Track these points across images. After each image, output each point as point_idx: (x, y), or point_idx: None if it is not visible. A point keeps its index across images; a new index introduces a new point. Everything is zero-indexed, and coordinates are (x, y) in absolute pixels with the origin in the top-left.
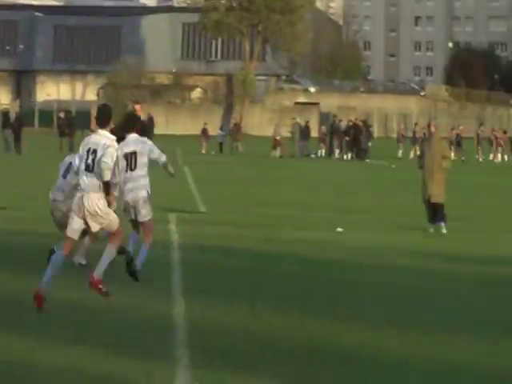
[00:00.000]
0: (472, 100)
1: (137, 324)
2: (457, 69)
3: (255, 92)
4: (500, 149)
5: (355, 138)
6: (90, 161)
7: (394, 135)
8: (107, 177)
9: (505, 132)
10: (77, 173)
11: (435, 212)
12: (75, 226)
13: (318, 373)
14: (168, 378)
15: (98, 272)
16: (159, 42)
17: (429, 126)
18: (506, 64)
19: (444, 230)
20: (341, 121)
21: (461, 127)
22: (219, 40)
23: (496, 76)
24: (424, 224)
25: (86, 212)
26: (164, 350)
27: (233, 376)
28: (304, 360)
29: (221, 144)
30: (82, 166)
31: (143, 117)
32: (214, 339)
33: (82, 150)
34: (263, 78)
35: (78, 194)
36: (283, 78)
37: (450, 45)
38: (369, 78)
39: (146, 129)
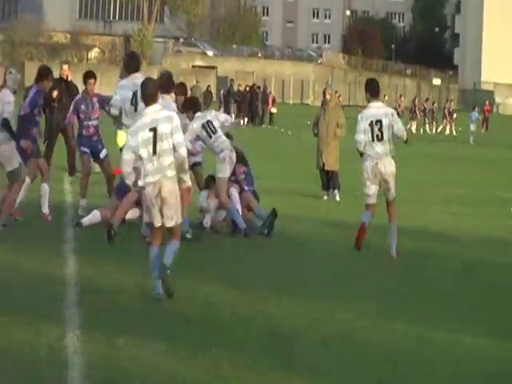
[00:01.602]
0: (368, 69)
1: (28, 284)
2: (354, 37)
3: (153, 54)
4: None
5: (251, 103)
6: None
7: (291, 101)
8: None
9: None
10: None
11: (329, 180)
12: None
13: (209, 335)
14: (57, 338)
15: None
16: (57, 1)
17: (324, 93)
18: (403, 34)
19: (338, 198)
20: (240, 85)
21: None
22: (117, 0)
23: (393, 46)
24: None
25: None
26: (54, 310)
27: (122, 335)
28: (196, 323)
29: None
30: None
31: (70, 78)
32: (104, 299)
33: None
34: (161, 40)
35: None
36: (181, 40)
37: (348, 13)
38: (267, 43)
39: (71, 90)
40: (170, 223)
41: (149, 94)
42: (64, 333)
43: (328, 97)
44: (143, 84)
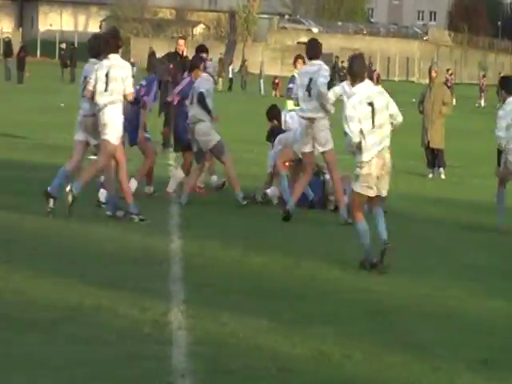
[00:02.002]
0: (474, 46)
1: (132, 259)
2: (460, 14)
3: (258, 30)
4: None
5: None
6: None
7: (396, 78)
8: None
9: None
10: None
11: (434, 157)
12: None
13: (312, 311)
14: (161, 314)
15: None
16: None
17: (430, 71)
18: (510, 11)
19: (443, 176)
20: (343, 62)
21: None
22: None
23: (499, 23)
24: (423, 169)
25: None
26: (159, 285)
27: (226, 311)
28: (299, 299)
29: (231, 80)
30: None
31: (186, 53)
32: (208, 275)
33: None
34: (266, 16)
35: None
36: (286, 17)
37: None
38: (372, 20)
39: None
40: (385, 192)
41: (357, 72)
42: (169, 308)
43: (434, 74)
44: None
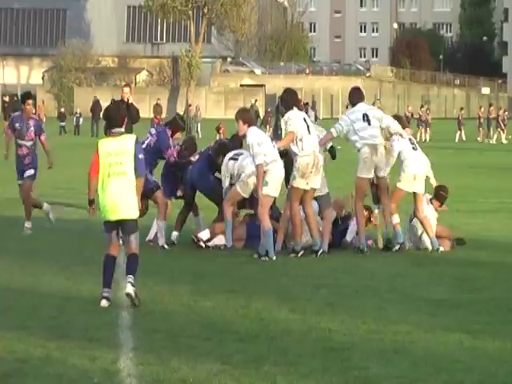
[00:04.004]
0: (417, 81)
1: (80, 309)
2: (402, 50)
3: (201, 74)
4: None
5: None
6: None
7: (340, 116)
8: None
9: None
10: None
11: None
12: None
13: (263, 352)
14: (111, 362)
15: None
16: (104, 25)
17: (373, 105)
18: (451, 44)
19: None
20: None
21: (410, 108)
22: (164, 22)
23: (441, 56)
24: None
25: None
26: (108, 334)
27: (176, 356)
28: (249, 341)
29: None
30: None
31: (131, 100)
32: (157, 321)
33: None
34: (209, 60)
35: None
36: (229, 60)
37: (395, 25)
38: (314, 59)
39: (132, 113)
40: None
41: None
42: (118, 356)
43: None
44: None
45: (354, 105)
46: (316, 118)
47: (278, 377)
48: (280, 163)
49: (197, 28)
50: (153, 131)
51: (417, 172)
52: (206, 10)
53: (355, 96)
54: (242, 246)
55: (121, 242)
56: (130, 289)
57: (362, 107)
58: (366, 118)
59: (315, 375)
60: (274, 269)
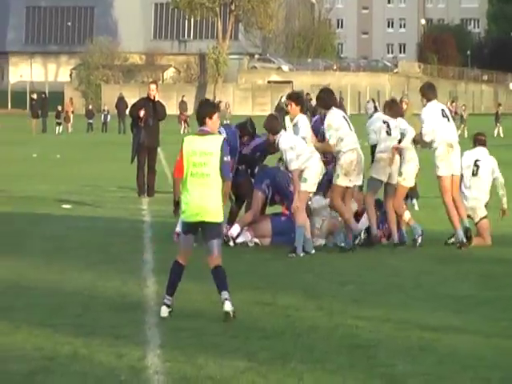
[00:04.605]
0: (444, 76)
1: (107, 306)
2: (429, 45)
3: (228, 71)
4: None
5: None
6: None
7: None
8: None
9: None
10: None
11: None
12: None
13: (290, 349)
14: (138, 359)
15: None
16: (131, 23)
17: (401, 102)
18: (478, 40)
19: (416, 207)
20: (311, 99)
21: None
22: (192, 19)
23: (468, 52)
24: None
25: None
26: (134, 331)
27: (203, 354)
28: (275, 338)
29: None
30: None
31: (157, 98)
32: (184, 318)
33: None
34: (236, 56)
35: None
36: (256, 56)
37: (423, 21)
38: (342, 55)
39: (158, 110)
40: None
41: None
42: (145, 354)
43: (404, 106)
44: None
45: (429, 100)
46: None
47: (304, 374)
48: (316, 156)
49: (224, 25)
50: (222, 131)
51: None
52: (233, 7)
53: (431, 92)
54: (269, 242)
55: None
56: (228, 307)
57: (437, 104)
58: (444, 113)
59: (342, 372)
60: (300, 266)
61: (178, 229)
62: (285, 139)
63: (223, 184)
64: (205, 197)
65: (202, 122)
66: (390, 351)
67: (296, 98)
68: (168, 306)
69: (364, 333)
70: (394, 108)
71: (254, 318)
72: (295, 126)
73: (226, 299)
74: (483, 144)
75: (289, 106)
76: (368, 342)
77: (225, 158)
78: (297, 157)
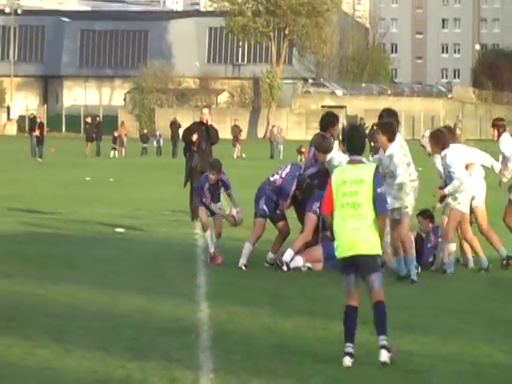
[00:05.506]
0: (499, 102)
1: (161, 329)
2: (484, 71)
3: (282, 95)
4: None
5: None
6: None
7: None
8: None
9: None
10: None
11: None
12: None
13: (343, 374)
14: (191, 383)
15: None
16: (186, 46)
17: (454, 128)
18: None
19: None
20: (365, 124)
21: None
22: (245, 43)
23: None
24: None
25: None
26: (188, 355)
27: (256, 378)
28: (329, 362)
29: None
30: None
31: (210, 122)
32: (237, 343)
33: None
34: (290, 81)
35: None
36: (310, 81)
37: (477, 47)
38: (396, 80)
39: (211, 134)
40: None
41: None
42: (198, 378)
43: (458, 132)
44: None
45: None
46: None
47: None
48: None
49: (278, 49)
50: (285, 172)
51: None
52: (287, 32)
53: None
54: (321, 267)
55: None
56: (384, 356)
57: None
58: None
59: None
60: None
61: (212, 249)
62: (337, 156)
63: (377, 218)
64: (357, 228)
65: (354, 152)
66: (444, 377)
67: (386, 127)
68: (350, 355)
69: (418, 358)
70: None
71: (307, 343)
72: (390, 158)
73: (383, 347)
74: None
75: (377, 136)
76: (422, 367)
77: (378, 190)
78: None
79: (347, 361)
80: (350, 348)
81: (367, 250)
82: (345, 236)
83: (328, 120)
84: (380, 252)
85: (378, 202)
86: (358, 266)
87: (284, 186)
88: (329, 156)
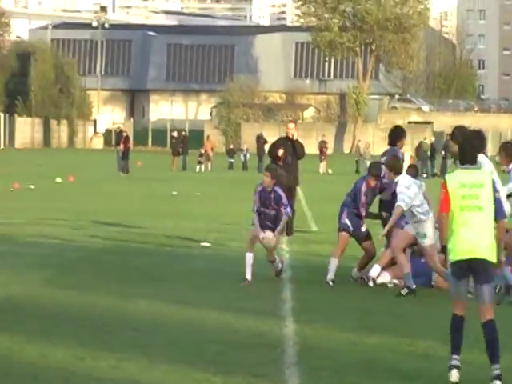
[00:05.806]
0: None
1: (245, 344)
2: None
3: (368, 111)
4: None
5: None
6: None
7: None
8: None
9: None
10: None
11: None
12: None
13: None
14: None
15: None
16: (272, 61)
17: None
18: None
19: None
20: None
21: None
22: (332, 59)
23: None
24: None
25: None
26: (273, 370)
27: None
28: (415, 379)
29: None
30: None
31: (296, 137)
32: (323, 358)
33: None
34: (376, 96)
35: None
36: (396, 96)
37: None
38: (483, 96)
39: (297, 149)
40: None
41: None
42: None
43: None
44: None
45: None
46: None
47: None
48: None
49: (364, 64)
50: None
51: None
52: (373, 47)
53: None
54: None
55: None
56: None
57: None
58: None
59: None
60: (438, 307)
61: (249, 276)
62: (404, 180)
63: (498, 224)
64: (477, 232)
65: (466, 161)
66: None
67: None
68: (457, 368)
69: (509, 375)
70: None
71: (393, 359)
72: None
73: (496, 377)
74: None
75: (497, 158)
76: None
77: (496, 195)
78: (409, 198)
79: (454, 375)
80: (455, 361)
81: (488, 255)
82: (465, 238)
83: (396, 134)
84: (495, 261)
85: (499, 207)
86: (475, 271)
87: (354, 190)
88: (397, 178)
